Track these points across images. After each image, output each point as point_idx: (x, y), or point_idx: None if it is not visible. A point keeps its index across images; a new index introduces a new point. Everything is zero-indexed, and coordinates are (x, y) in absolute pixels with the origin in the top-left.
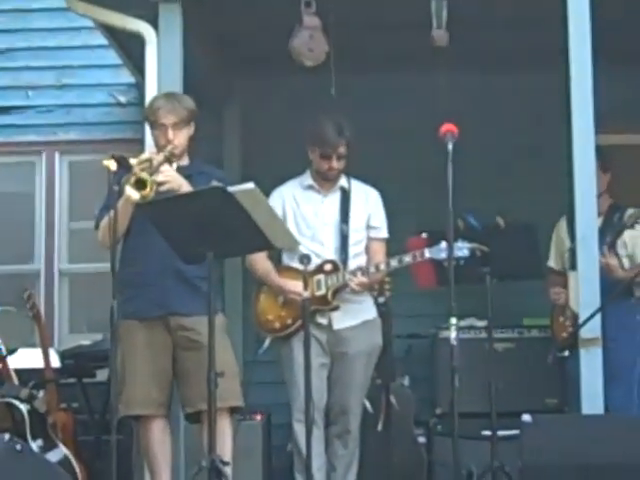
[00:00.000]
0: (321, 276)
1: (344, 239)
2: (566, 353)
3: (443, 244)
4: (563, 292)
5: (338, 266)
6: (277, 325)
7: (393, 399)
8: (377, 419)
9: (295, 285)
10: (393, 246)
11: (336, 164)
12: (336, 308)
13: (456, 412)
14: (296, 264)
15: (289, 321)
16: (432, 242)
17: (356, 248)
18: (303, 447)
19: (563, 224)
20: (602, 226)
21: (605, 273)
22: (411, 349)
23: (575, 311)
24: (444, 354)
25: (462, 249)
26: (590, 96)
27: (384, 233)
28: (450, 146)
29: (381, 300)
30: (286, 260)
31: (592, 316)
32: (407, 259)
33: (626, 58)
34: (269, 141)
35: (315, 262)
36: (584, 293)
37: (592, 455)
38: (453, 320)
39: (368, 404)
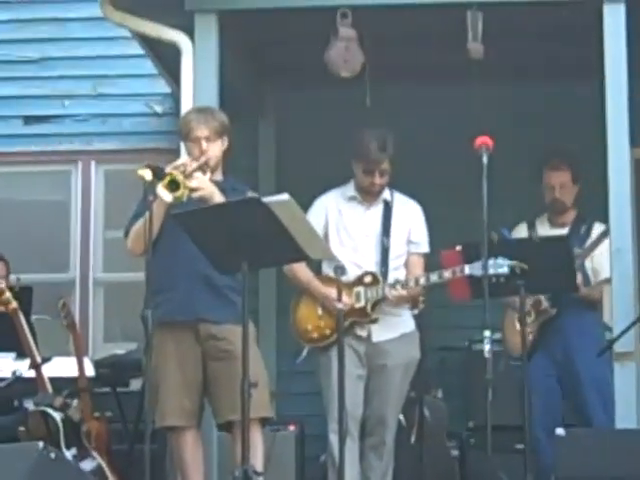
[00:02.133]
0: (361, 288)
1: (385, 252)
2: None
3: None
4: None
5: (378, 279)
6: (315, 335)
7: (426, 412)
8: (410, 432)
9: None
10: (429, 258)
11: (378, 180)
12: (375, 321)
13: (489, 425)
14: (329, 272)
15: (327, 332)
16: (466, 254)
17: (396, 262)
18: (337, 458)
19: (523, 228)
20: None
21: None
22: (444, 361)
23: (609, 324)
24: (478, 367)
25: (502, 266)
26: (625, 109)
27: (424, 248)
28: (485, 159)
29: (415, 312)
30: (326, 269)
31: (627, 330)
32: (447, 275)
33: None
34: (304, 153)
35: (355, 273)
36: (618, 307)
37: (626, 469)
38: (487, 333)
39: (401, 416)
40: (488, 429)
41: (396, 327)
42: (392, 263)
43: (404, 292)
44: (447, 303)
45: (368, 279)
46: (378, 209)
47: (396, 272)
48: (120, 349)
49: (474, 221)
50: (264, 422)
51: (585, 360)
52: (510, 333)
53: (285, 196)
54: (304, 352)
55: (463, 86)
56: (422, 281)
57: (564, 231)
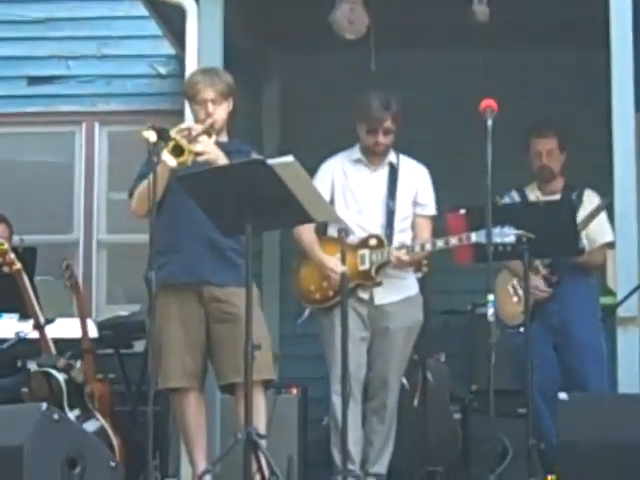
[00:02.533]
0: (365, 251)
1: (390, 214)
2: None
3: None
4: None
5: (383, 242)
6: (318, 296)
7: (429, 375)
8: (413, 395)
9: (336, 264)
10: (434, 221)
11: (382, 139)
12: (379, 284)
13: (492, 389)
14: (335, 234)
15: (330, 293)
16: (470, 218)
17: (402, 224)
18: (340, 420)
19: (513, 196)
20: None
21: None
22: (448, 325)
23: (613, 289)
24: (481, 331)
25: (509, 235)
26: (631, 75)
27: (431, 210)
28: (490, 122)
29: (418, 275)
30: (332, 231)
31: (630, 294)
32: (453, 241)
33: None
34: (308, 116)
35: (360, 235)
36: (622, 271)
37: (628, 433)
38: (490, 297)
39: (404, 380)
40: (491, 393)
41: (399, 290)
42: (398, 225)
43: (406, 257)
44: (451, 267)
45: (373, 242)
46: (384, 171)
47: (402, 235)
48: (123, 311)
49: (479, 185)
50: (267, 384)
51: (582, 327)
52: (503, 302)
53: (289, 158)
54: (305, 313)
55: (469, 50)
56: (428, 247)
57: (555, 199)
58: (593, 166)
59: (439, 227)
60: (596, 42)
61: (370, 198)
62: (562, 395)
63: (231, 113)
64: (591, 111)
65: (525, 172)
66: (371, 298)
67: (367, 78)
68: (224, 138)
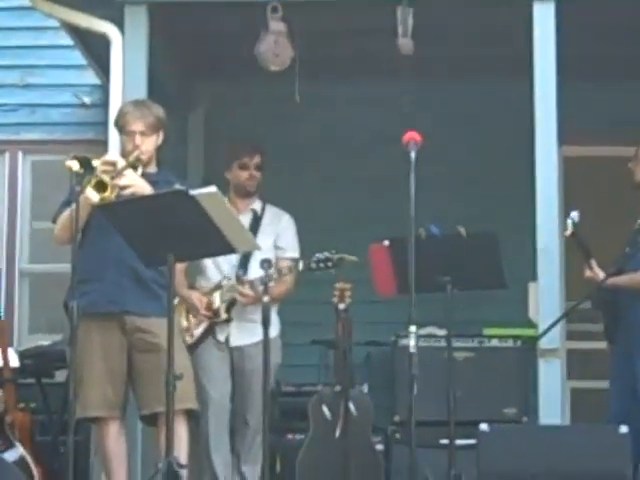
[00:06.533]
0: (218, 292)
1: (246, 256)
2: None
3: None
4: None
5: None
6: (186, 336)
7: (352, 406)
8: (335, 426)
9: (199, 299)
10: (357, 252)
11: (255, 173)
12: (228, 321)
13: (414, 420)
14: (203, 284)
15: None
16: (393, 249)
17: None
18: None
19: None
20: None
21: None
22: (370, 356)
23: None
24: (403, 362)
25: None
26: (554, 108)
27: (292, 253)
28: (413, 154)
29: (341, 307)
30: (200, 281)
31: (551, 327)
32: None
33: (594, 72)
34: None
35: (217, 279)
36: (544, 304)
37: (548, 465)
38: (413, 328)
39: (327, 411)
40: (412, 424)
41: (254, 333)
42: (255, 268)
43: (251, 292)
44: (374, 298)
45: (225, 282)
46: (247, 217)
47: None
48: (45, 340)
49: (404, 218)
50: (189, 414)
51: None
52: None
53: (212, 188)
54: None
55: (394, 82)
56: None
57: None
58: (517, 197)
59: (363, 259)
60: (520, 75)
61: None
62: (483, 426)
63: (160, 145)
64: (515, 143)
65: (452, 203)
66: (227, 340)
67: (292, 109)
68: (153, 169)
